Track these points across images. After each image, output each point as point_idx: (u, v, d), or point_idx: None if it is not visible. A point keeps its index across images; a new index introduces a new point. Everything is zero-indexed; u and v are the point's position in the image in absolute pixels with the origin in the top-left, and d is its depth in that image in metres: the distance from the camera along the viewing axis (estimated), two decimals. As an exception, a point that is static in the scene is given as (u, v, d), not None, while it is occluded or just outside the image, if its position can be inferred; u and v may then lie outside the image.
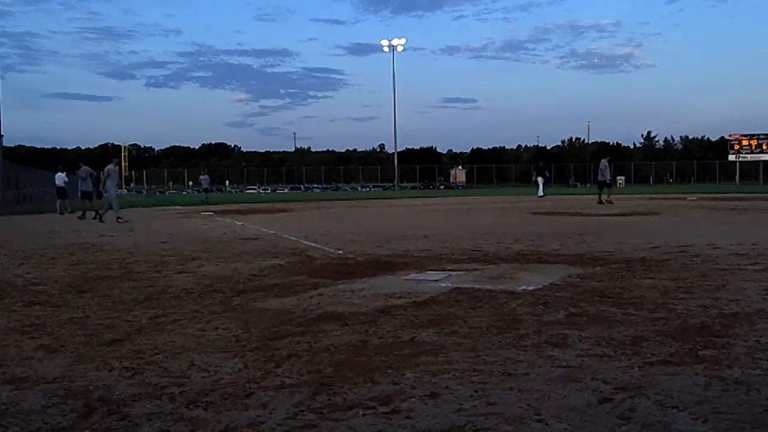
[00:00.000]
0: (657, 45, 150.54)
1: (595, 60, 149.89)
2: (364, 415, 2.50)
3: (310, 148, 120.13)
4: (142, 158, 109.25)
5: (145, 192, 76.12)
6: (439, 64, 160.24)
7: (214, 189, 46.41)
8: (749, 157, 66.49)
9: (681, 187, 41.31)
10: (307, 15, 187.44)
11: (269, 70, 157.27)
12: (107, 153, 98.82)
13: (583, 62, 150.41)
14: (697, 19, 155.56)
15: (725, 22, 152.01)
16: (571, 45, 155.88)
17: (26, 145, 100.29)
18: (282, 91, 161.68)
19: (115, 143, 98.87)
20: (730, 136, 69.02)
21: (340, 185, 76.39)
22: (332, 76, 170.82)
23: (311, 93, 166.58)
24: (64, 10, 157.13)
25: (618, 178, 67.94)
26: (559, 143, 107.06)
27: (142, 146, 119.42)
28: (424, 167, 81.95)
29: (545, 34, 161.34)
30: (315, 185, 77.76)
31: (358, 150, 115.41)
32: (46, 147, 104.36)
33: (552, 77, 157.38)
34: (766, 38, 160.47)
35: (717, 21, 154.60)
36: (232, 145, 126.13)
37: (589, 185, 65.94)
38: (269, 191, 71.42)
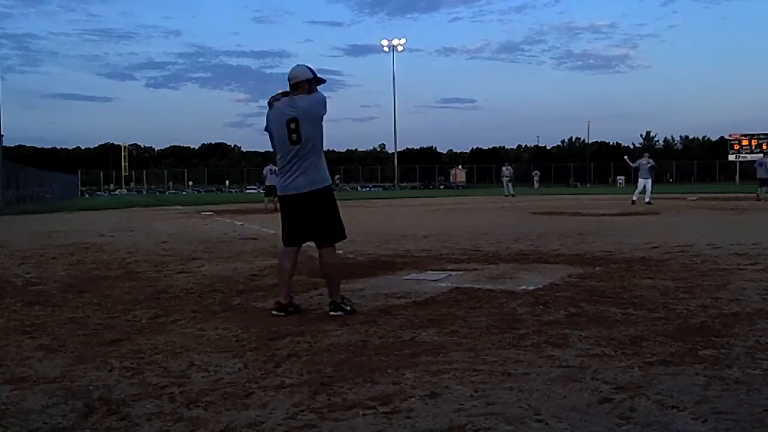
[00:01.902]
0: (652, 46, 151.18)
1: (591, 61, 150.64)
2: (364, 415, 2.50)
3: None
4: (142, 158, 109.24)
5: (144, 192, 76.05)
6: (437, 65, 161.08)
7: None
8: (749, 157, 66.34)
9: (681, 187, 41.33)
10: (303, 17, 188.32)
11: (267, 71, 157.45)
12: (107, 153, 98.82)
13: (579, 63, 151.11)
14: (692, 21, 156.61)
15: (720, 23, 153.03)
16: (567, 46, 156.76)
17: (26, 145, 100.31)
18: (281, 91, 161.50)
19: (115, 143, 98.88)
20: (730, 136, 68.93)
21: (339, 185, 76.36)
22: (330, 76, 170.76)
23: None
24: (64, 12, 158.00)
25: (618, 178, 67.95)
26: (559, 143, 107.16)
27: (142, 146, 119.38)
28: (424, 167, 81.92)
29: (541, 36, 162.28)
30: (315, 185, 77.49)
31: (359, 150, 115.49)
32: (46, 147, 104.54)
33: (549, 78, 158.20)
34: (761, 39, 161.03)
35: (712, 22, 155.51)
36: (232, 145, 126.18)
37: (589, 185, 65.97)
38: (269, 191, 71.07)
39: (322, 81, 4.54)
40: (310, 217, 4.41)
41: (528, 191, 45.34)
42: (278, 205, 16.72)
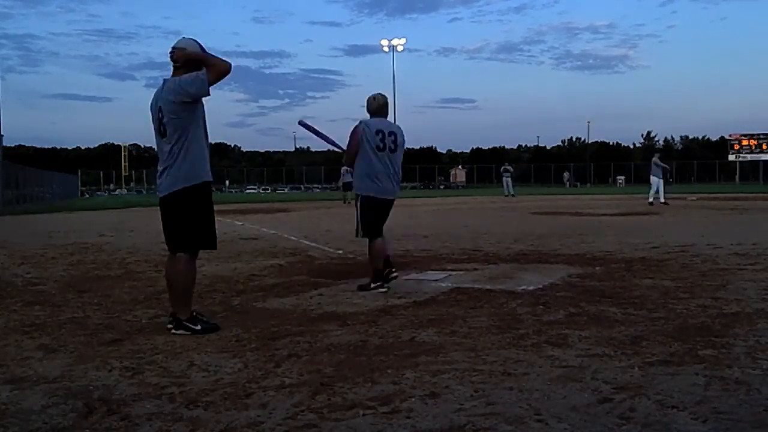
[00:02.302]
0: (652, 46, 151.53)
1: (591, 61, 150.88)
2: (364, 415, 2.50)
3: (309, 148, 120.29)
4: (142, 158, 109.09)
5: (144, 192, 76.04)
6: (436, 65, 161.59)
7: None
8: (749, 157, 66.42)
9: (681, 187, 41.27)
10: (303, 17, 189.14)
11: (267, 71, 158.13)
12: (107, 153, 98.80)
13: (579, 63, 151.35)
14: (691, 21, 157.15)
15: (719, 23, 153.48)
16: (566, 46, 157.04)
17: (26, 145, 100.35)
18: (281, 91, 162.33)
19: (115, 143, 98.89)
20: (730, 136, 68.90)
21: (340, 185, 76.38)
22: (330, 77, 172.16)
23: (309, 94, 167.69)
24: (63, 12, 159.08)
25: (618, 178, 67.98)
26: (559, 143, 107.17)
27: (142, 146, 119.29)
28: (424, 167, 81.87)
29: (540, 36, 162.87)
30: (315, 185, 77.57)
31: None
32: (46, 147, 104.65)
33: (548, 78, 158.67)
34: (759, 39, 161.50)
35: (711, 22, 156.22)
36: (232, 145, 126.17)
37: (589, 185, 65.95)
38: (269, 191, 71.28)
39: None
40: (165, 219, 3.97)
41: (561, 190, 46.32)
42: (351, 202, 16.55)
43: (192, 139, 3.90)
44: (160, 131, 3.90)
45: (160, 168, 3.96)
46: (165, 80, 3.97)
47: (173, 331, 3.91)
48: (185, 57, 3.87)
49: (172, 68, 3.98)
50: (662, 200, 18.70)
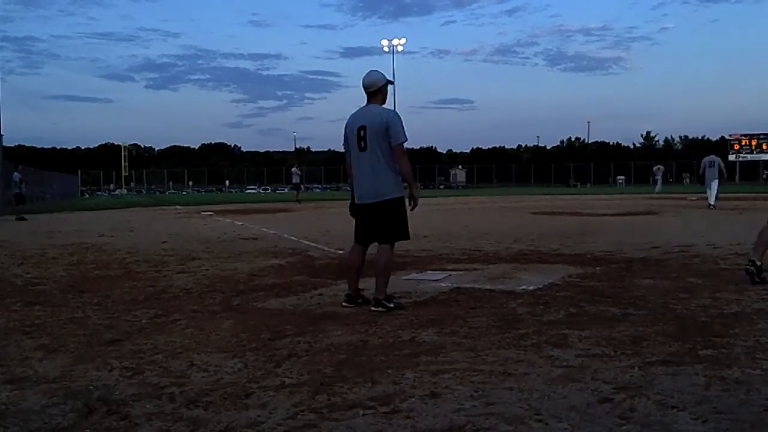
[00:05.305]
0: (645, 47, 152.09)
1: (585, 63, 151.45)
2: (364, 415, 2.50)
3: (309, 148, 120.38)
4: (142, 158, 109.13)
5: (144, 192, 76.10)
6: (431, 67, 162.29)
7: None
8: (749, 157, 66.52)
9: (681, 187, 41.24)
10: (299, 20, 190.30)
11: (265, 72, 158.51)
12: (107, 153, 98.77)
13: (572, 65, 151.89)
14: (683, 24, 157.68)
15: (710, 26, 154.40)
16: (560, 48, 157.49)
17: (26, 145, 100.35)
18: (279, 92, 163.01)
19: (115, 143, 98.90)
20: (730, 136, 69.02)
21: (340, 185, 76.18)
22: (327, 78, 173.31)
23: (307, 95, 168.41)
24: (63, 15, 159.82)
25: (618, 178, 67.96)
26: (559, 143, 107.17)
27: (142, 146, 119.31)
28: (424, 167, 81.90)
29: (533, 38, 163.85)
30: (315, 185, 77.55)
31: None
32: (46, 147, 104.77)
33: (545, 79, 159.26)
34: (752, 40, 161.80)
35: (702, 24, 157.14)
36: (232, 145, 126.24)
37: (589, 185, 65.93)
38: (269, 191, 71.33)
39: (391, 82, 4.81)
40: (382, 218, 4.62)
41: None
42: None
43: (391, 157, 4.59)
44: (360, 146, 4.60)
45: (364, 176, 4.60)
46: (375, 107, 4.68)
47: (372, 308, 4.47)
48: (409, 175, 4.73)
49: (366, 97, 4.72)
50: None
